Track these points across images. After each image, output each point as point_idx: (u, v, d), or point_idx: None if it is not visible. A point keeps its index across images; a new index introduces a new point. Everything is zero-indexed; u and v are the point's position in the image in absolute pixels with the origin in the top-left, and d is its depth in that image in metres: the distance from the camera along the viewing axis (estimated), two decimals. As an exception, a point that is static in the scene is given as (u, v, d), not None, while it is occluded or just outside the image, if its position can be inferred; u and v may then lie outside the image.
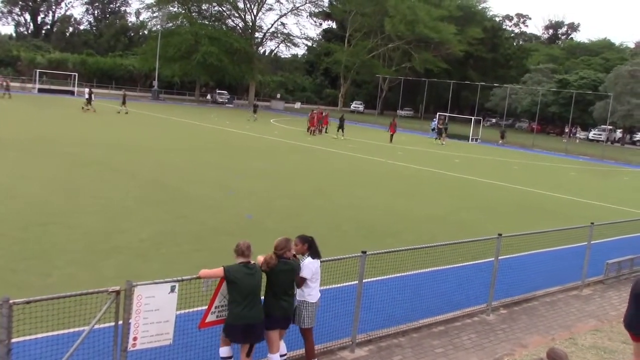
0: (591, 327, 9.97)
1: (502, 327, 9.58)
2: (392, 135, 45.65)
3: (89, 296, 5.79)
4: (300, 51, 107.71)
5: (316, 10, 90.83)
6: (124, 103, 46.31)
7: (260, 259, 6.67)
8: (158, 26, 77.61)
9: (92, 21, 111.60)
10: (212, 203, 16.34)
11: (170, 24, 78.59)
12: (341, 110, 74.09)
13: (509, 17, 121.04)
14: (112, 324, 5.90)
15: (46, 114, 40.68)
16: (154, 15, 79.82)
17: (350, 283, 8.69)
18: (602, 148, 56.62)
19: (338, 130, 43.31)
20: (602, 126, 72.34)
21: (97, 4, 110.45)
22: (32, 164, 19.81)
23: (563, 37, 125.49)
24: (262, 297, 6.70)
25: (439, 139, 50.58)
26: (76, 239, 11.61)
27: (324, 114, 47.25)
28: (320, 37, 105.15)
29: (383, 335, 8.50)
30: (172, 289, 6.07)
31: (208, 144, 31.58)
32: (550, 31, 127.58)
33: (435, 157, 36.46)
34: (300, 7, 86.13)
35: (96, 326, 5.79)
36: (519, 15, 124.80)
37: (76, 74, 69.27)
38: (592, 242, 12.22)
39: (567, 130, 74.48)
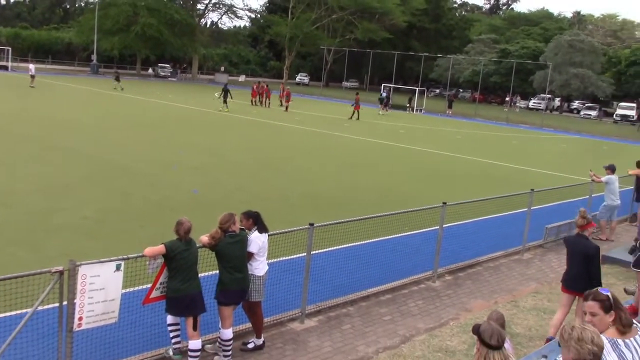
0: (532, 289, 10.33)
1: (447, 292, 9.83)
2: (356, 112, 41.93)
3: (31, 277, 5.66)
4: (244, 23, 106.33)
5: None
6: (117, 79, 49.22)
7: (204, 239, 6.65)
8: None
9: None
10: (156, 179, 16.08)
11: (108, -5, 76.03)
12: (286, 82, 73.51)
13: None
14: (56, 304, 5.78)
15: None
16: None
17: (298, 255, 8.74)
18: (541, 116, 58.14)
19: (224, 102, 39.75)
20: (542, 95, 74.19)
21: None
22: (-35, 142, 19.03)
23: (504, 8, 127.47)
24: (216, 272, 6.73)
25: (384, 109, 50.88)
26: (16, 219, 11.27)
27: (264, 87, 46.98)
28: (264, 8, 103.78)
29: (332, 305, 8.60)
30: (118, 268, 5.98)
31: (150, 119, 30.94)
32: (492, 1, 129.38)
33: (380, 129, 36.75)
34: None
35: (40, 307, 5.67)
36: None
37: (9, 49, 66.48)
38: (532, 207, 12.62)
39: (508, 99, 76.15)
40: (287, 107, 43.21)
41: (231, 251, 6.68)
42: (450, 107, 58.56)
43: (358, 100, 43.04)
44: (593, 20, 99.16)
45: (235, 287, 6.74)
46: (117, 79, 50.95)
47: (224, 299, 6.73)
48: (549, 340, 7.42)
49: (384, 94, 57.87)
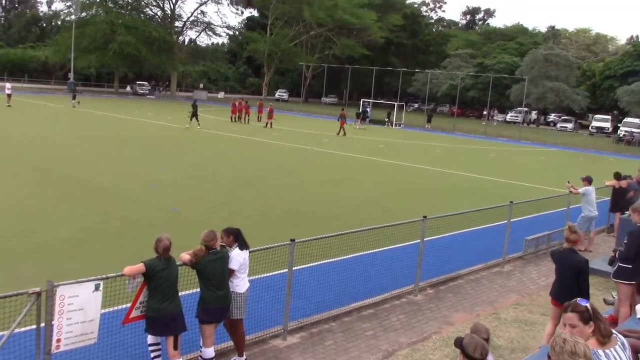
0: (513, 301, 10.38)
1: (429, 306, 9.83)
2: (342, 128, 41.68)
3: (7, 299, 5.56)
4: (222, 40, 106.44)
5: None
6: (74, 97, 48.23)
7: (184, 256, 6.60)
8: (72, 16, 74.61)
9: (1, 11, 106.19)
10: (134, 197, 15.94)
11: (85, 14, 75.72)
12: (265, 98, 73.54)
13: (425, 3, 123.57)
14: (34, 326, 5.68)
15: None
16: (67, 4, 76.73)
17: (280, 271, 8.70)
18: (518, 129, 58.78)
19: (191, 119, 38.62)
20: (519, 108, 75.08)
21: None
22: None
23: (480, 23, 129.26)
24: (197, 291, 6.67)
25: (361, 123, 51.14)
26: (-9, 241, 11.08)
27: (243, 103, 47.02)
28: (242, 25, 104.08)
29: (314, 321, 8.56)
30: (97, 287, 5.91)
31: (129, 137, 30.73)
32: (468, 17, 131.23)
33: (360, 144, 36.87)
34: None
35: (17, 330, 5.57)
36: (434, 1, 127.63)
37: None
38: (511, 220, 12.71)
39: (485, 113, 76.96)
40: (269, 124, 42.93)
41: (212, 268, 6.63)
42: (429, 121, 59.05)
43: (343, 115, 43.10)
44: (567, 35, 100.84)
45: (217, 304, 6.69)
46: (74, 97, 49.51)
47: (206, 317, 6.67)
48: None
49: (368, 109, 58.38)
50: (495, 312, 9.68)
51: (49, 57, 79.28)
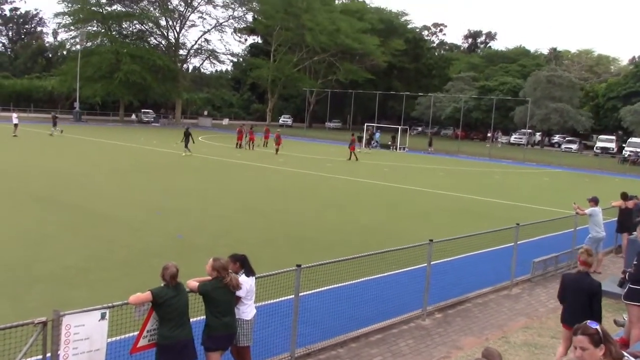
0: (522, 324, 10.28)
1: (437, 330, 9.74)
2: (352, 153, 41.89)
3: (13, 330, 5.51)
4: (226, 67, 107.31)
5: (240, 26, 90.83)
6: (55, 125, 47.09)
7: (192, 283, 6.57)
8: (77, 46, 75.45)
9: (7, 42, 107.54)
10: (140, 225, 15.93)
11: (90, 44, 76.60)
12: (269, 124, 73.82)
13: (426, 27, 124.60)
14: (40, 357, 5.65)
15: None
16: (73, 35, 77.63)
17: (286, 298, 8.64)
18: (523, 151, 58.79)
19: (186, 146, 37.19)
20: (523, 130, 75.16)
21: (11, 25, 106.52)
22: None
23: (482, 46, 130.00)
24: (200, 318, 6.60)
25: (367, 147, 51.38)
26: (-3, 271, 11.07)
27: (248, 130, 47.21)
28: (246, 52, 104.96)
29: (322, 347, 8.48)
30: (103, 316, 5.87)
31: (134, 164, 30.86)
32: (470, 40, 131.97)
33: (365, 168, 36.90)
34: (224, 24, 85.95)
35: (22, 361, 5.52)
36: (435, 25, 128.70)
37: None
38: (518, 242, 12.64)
39: (489, 135, 77.04)
40: (277, 150, 43.01)
41: (219, 295, 6.59)
42: (430, 144, 59.13)
43: (354, 141, 43.47)
44: (569, 56, 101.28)
45: (222, 331, 6.64)
46: (55, 124, 48.00)
47: (212, 345, 6.61)
48: None
49: (377, 134, 58.95)
50: (504, 336, 9.58)
51: (54, 86, 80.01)
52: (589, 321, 4.48)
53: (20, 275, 10.93)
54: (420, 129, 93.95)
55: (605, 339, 4.30)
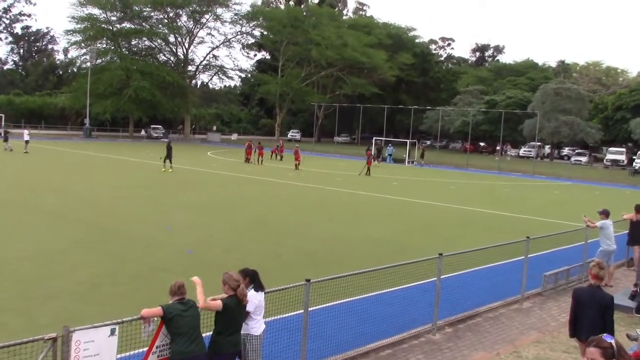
0: (533, 339, 10.19)
1: (448, 345, 9.67)
2: (368, 168, 41.68)
3: (23, 346, 5.52)
4: (235, 83, 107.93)
5: (248, 42, 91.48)
6: (6, 139, 45.35)
7: (213, 303, 6.54)
8: (88, 63, 76.19)
9: (18, 60, 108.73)
10: (150, 241, 15.97)
11: (100, 60, 77.32)
12: (278, 139, 74.02)
13: (434, 41, 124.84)
14: (50, 373, 5.64)
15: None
16: (83, 52, 78.46)
17: (296, 312, 8.62)
18: (532, 164, 58.57)
19: (165, 162, 35.90)
20: (532, 143, 74.95)
21: (22, 43, 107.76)
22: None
23: (490, 59, 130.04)
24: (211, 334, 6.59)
25: (376, 161, 51.53)
26: (7, 287, 11.11)
27: (257, 145, 47.35)
28: (254, 67, 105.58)
29: (332, 363, 8.43)
30: (112, 332, 5.88)
31: (143, 180, 30.99)
32: (477, 54, 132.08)
33: (374, 182, 36.87)
34: (232, 39, 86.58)
35: (32, 377, 5.53)
36: (443, 39, 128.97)
37: (2, 115, 67.07)
38: (529, 255, 12.57)
39: (498, 148, 76.88)
40: (297, 165, 42.87)
41: (233, 311, 6.58)
42: (422, 156, 59.20)
43: (370, 155, 43.84)
44: (578, 69, 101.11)
45: (229, 349, 6.61)
46: (6, 139, 46.12)
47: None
48: None
49: (390, 148, 59.39)
50: (515, 351, 9.49)
51: (65, 103, 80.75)
52: (605, 335, 4.43)
53: (33, 291, 10.96)
54: (428, 142, 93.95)
55: (619, 354, 4.26)
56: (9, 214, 18.73)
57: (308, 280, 7.91)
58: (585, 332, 7.64)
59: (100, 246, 14.94)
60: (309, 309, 7.96)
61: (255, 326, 6.93)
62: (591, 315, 7.62)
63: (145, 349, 6.39)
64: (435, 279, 10.17)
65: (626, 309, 10.68)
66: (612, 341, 4.31)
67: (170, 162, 35.90)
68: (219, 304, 6.48)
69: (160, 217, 19.53)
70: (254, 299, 6.87)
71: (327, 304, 9.99)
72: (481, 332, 10.42)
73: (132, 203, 22.48)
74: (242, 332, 6.91)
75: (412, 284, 11.99)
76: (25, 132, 46.08)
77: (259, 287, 6.99)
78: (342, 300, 10.31)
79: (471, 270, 13.61)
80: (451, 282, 12.13)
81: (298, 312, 8.30)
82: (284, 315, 8.85)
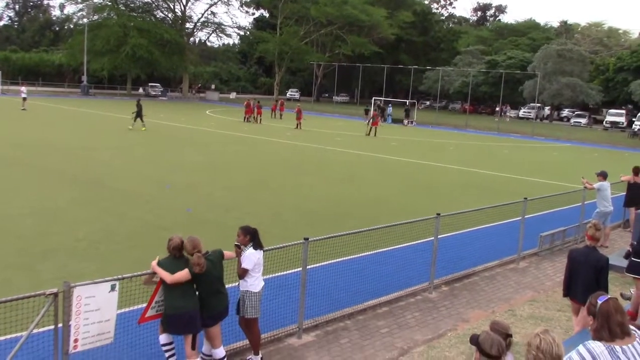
0: (528, 298, 10.33)
1: (444, 303, 9.81)
2: (375, 129, 41.05)
3: (25, 300, 5.61)
4: (233, 41, 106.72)
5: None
6: None
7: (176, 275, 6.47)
8: (84, 19, 75.13)
9: (14, 16, 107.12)
10: (149, 199, 16.02)
11: (97, 17, 76.17)
12: (277, 98, 73.50)
13: (435, 0, 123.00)
14: (52, 327, 5.74)
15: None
16: (79, 8, 77.23)
17: (294, 270, 8.71)
18: (531, 125, 58.43)
19: (135, 120, 34.81)
20: (531, 104, 74.56)
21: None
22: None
23: (491, 19, 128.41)
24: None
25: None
26: (9, 243, 11.19)
27: (255, 104, 47.03)
28: (252, 25, 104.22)
29: (329, 319, 8.56)
30: (112, 288, 5.95)
31: (142, 138, 30.90)
32: (479, 13, 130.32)
33: (373, 142, 36.82)
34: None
35: (35, 330, 5.62)
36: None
37: (-1, 72, 66.50)
38: (526, 216, 12.65)
39: (497, 109, 76.54)
40: (298, 125, 42.58)
41: (213, 271, 6.61)
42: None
43: (376, 116, 43.19)
44: (579, 29, 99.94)
45: (216, 308, 6.66)
46: None
47: (208, 320, 6.61)
48: None
49: (389, 108, 58.75)
50: (511, 309, 9.63)
51: (62, 60, 79.88)
52: (600, 294, 4.48)
53: (34, 246, 11.06)
54: (428, 102, 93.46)
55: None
56: (8, 172, 18.72)
57: (306, 239, 7.97)
58: (579, 292, 7.73)
59: (99, 204, 14.99)
60: (307, 267, 8.04)
61: (255, 283, 7.00)
62: (585, 276, 7.69)
63: (144, 304, 6.49)
64: (433, 238, 10.25)
65: (621, 269, 10.77)
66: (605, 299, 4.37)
67: (142, 120, 35.09)
68: (185, 273, 6.42)
69: (160, 176, 19.55)
70: (253, 257, 6.92)
71: (325, 262, 10.09)
72: (477, 291, 10.55)
73: (131, 161, 22.47)
74: (241, 288, 7.01)
75: (409, 243, 12.10)
76: (23, 89, 45.70)
77: (257, 246, 7.03)
78: (340, 259, 10.41)
79: (469, 230, 13.72)
80: (449, 242, 12.24)
81: (296, 269, 8.39)
82: (283, 273, 8.95)
